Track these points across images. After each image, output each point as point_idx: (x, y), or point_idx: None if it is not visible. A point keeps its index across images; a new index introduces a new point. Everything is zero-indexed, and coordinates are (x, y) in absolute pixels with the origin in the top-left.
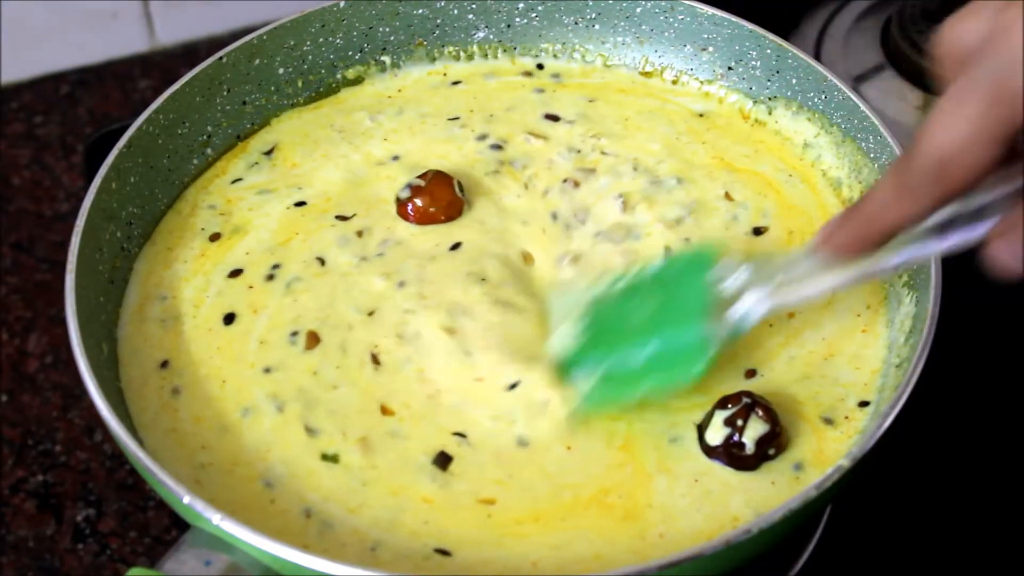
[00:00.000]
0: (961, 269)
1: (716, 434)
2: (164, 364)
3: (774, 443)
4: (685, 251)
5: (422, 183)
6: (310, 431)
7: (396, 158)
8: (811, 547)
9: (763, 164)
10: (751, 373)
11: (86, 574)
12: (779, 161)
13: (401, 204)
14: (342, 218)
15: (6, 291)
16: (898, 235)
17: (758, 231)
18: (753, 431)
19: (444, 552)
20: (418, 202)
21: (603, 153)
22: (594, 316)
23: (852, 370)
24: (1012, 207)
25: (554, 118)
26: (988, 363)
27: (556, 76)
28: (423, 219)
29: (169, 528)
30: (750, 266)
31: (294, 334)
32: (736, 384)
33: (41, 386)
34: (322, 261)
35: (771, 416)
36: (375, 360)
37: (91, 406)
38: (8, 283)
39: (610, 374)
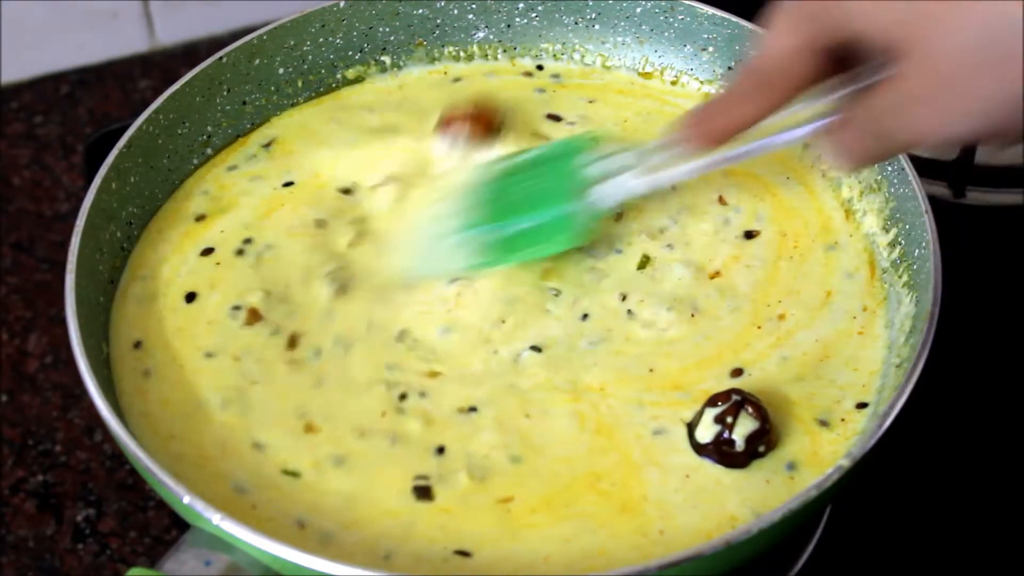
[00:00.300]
0: (961, 269)
1: (706, 431)
2: (137, 344)
3: (764, 440)
4: (564, 138)
5: (448, 125)
6: (257, 446)
7: (394, 129)
8: (811, 547)
9: (761, 167)
10: (737, 372)
11: (86, 574)
12: (777, 163)
13: (444, 122)
14: (345, 191)
15: (6, 291)
16: (746, 129)
17: (749, 234)
18: (743, 428)
19: (464, 553)
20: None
21: None
22: (478, 193)
23: (849, 371)
24: (848, 107)
25: (556, 118)
26: (988, 363)
27: (556, 76)
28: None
29: (169, 528)
30: (619, 149)
31: (236, 308)
32: (722, 383)
33: (41, 386)
34: (321, 223)
35: (761, 413)
36: (292, 343)
37: (91, 406)
38: (8, 283)
39: (489, 241)
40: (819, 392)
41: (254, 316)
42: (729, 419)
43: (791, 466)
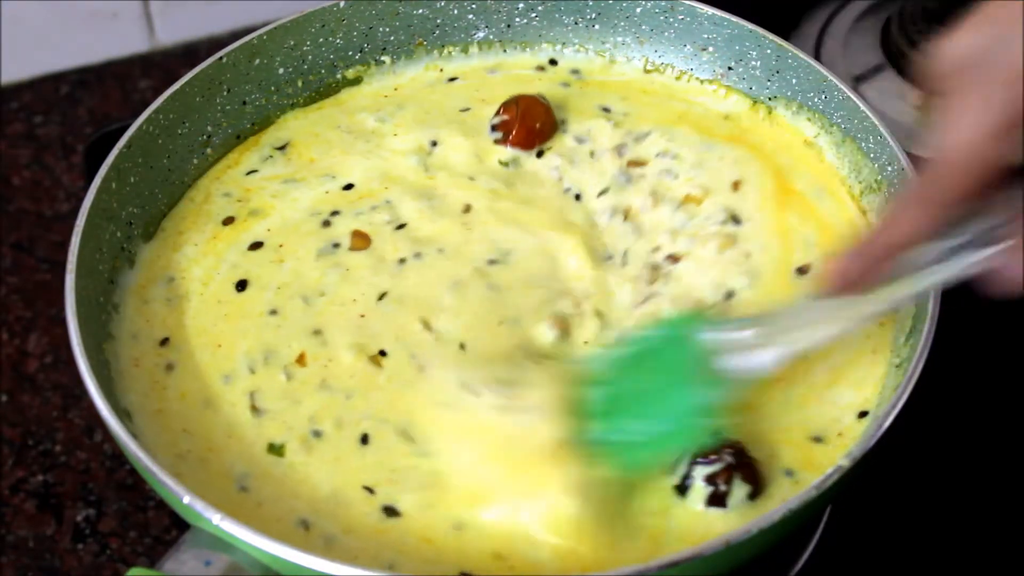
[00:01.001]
0: None
1: (698, 497)
2: (164, 342)
3: (755, 495)
4: (673, 318)
5: (507, 116)
6: (256, 411)
7: (435, 144)
8: (811, 547)
9: (801, 180)
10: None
11: (86, 574)
12: (810, 174)
13: (500, 142)
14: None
15: (6, 291)
16: (900, 253)
17: (801, 270)
18: (738, 492)
19: None
20: (514, 131)
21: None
22: (600, 389)
23: (854, 392)
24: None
25: (606, 110)
26: (988, 364)
27: (576, 72)
28: (528, 139)
29: (169, 528)
30: (751, 322)
31: (336, 246)
32: None
33: (41, 386)
34: (398, 219)
35: (753, 475)
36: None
37: (91, 406)
38: (8, 283)
39: (622, 443)
40: (816, 415)
41: (362, 239)
42: (722, 486)
43: (789, 472)
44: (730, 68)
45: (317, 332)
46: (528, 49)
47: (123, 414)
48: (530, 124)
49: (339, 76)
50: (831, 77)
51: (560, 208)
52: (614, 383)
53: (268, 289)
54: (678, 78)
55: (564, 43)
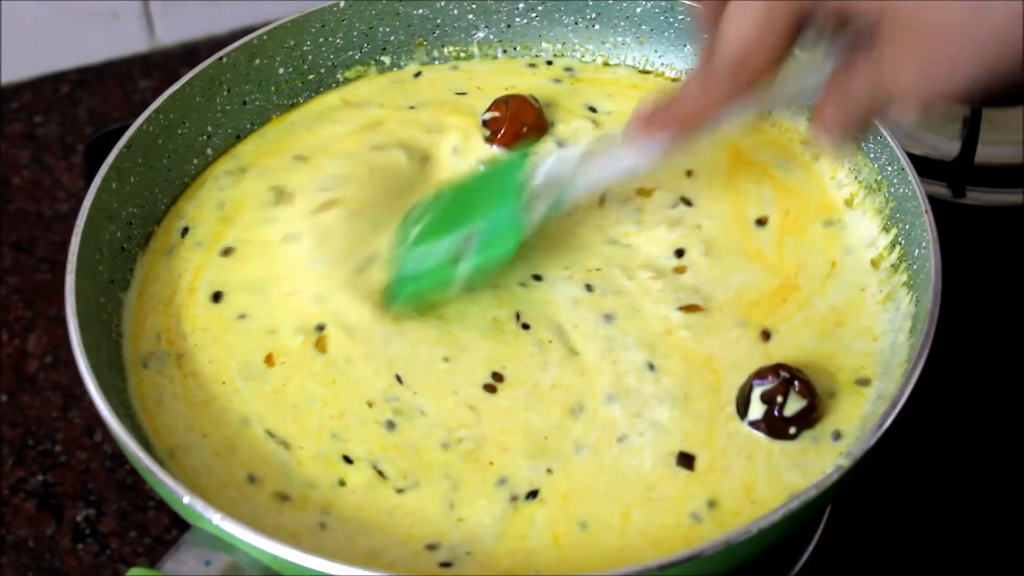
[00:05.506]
0: (961, 269)
1: (756, 410)
2: (158, 337)
3: (810, 417)
4: (499, 158)
5: (497, 113)
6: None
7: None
8: (811, 547)
9: (760, 153)
10: (766, 335)
11: (86, 574)
12: (775, 148)
13: (488, 140)
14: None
15: (6, 291)
16: (708, 124)
17: (760, 222)
18: (793, 406)
19: None
20: (503, 130)
21: None
22: (415, 226)
23: (868, 341)
24: (829, 83)
25: (593, 110)
26: (988, 363)
27: (569, 70)
28: (514, 140)
29: (169, 528)
30: (560, 152)
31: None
32: (754, 351)
33: (41, 386)
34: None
35: (809, 390)
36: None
37: (91, 406)
38: (8, 283)
39: (422, 266)
40: (839, 355)
41: (332, 204)
42: (779, 398)
43: (836, 435)
44: None
45: (272, 329)
46: (528, 50)
47: (122, 413)
48: (517, 127)
49: (339, 76)
50: None
51: None
52: (450, 199)
53: (237, 292)
54: (676, 79)
55: (564, 43)
